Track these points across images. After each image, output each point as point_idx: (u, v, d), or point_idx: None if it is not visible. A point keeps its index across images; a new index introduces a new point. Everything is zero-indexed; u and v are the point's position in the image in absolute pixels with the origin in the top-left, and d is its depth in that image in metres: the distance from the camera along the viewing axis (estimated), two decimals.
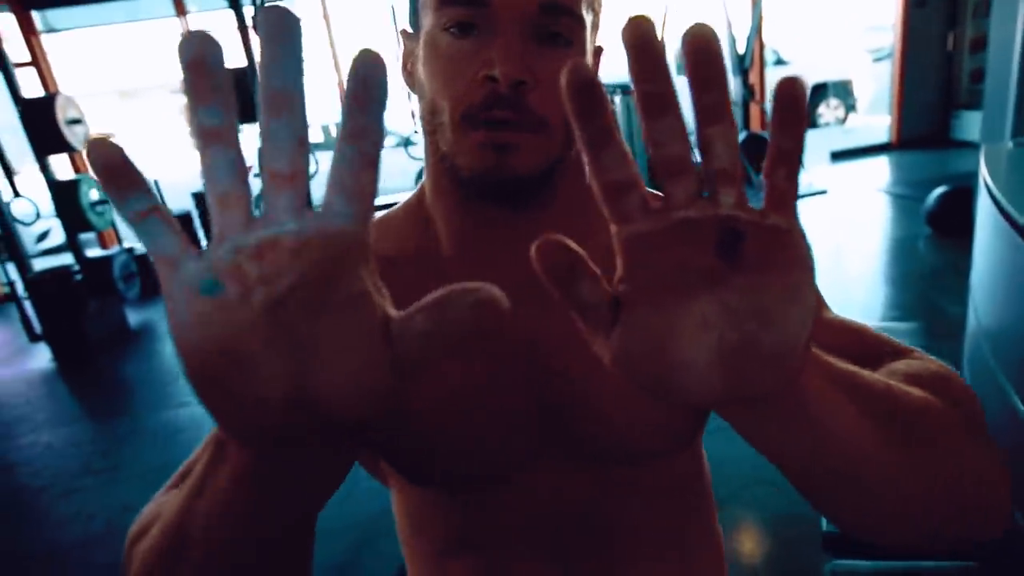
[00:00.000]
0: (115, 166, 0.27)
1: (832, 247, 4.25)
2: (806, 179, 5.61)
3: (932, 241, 4.14)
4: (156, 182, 5.42)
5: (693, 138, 0.28)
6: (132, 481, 2.66)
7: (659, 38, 0.27)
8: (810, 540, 1.70)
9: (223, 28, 4.70)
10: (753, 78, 6.26)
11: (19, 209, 4.32)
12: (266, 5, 0.26)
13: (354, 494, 2.24)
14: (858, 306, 3.26)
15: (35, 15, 5.88)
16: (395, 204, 0.63)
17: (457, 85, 0.49)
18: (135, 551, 0.44)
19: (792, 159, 0.29)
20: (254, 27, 4.19)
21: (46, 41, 5.98)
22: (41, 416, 3.45)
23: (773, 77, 7.17)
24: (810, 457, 0.36)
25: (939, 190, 4.14)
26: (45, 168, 4.46)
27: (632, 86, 0.27)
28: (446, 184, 0.56)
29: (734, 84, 6.06)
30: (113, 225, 5.00)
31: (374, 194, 0.28)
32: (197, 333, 0.28)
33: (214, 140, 0.27)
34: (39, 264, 4.43)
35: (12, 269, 4.24)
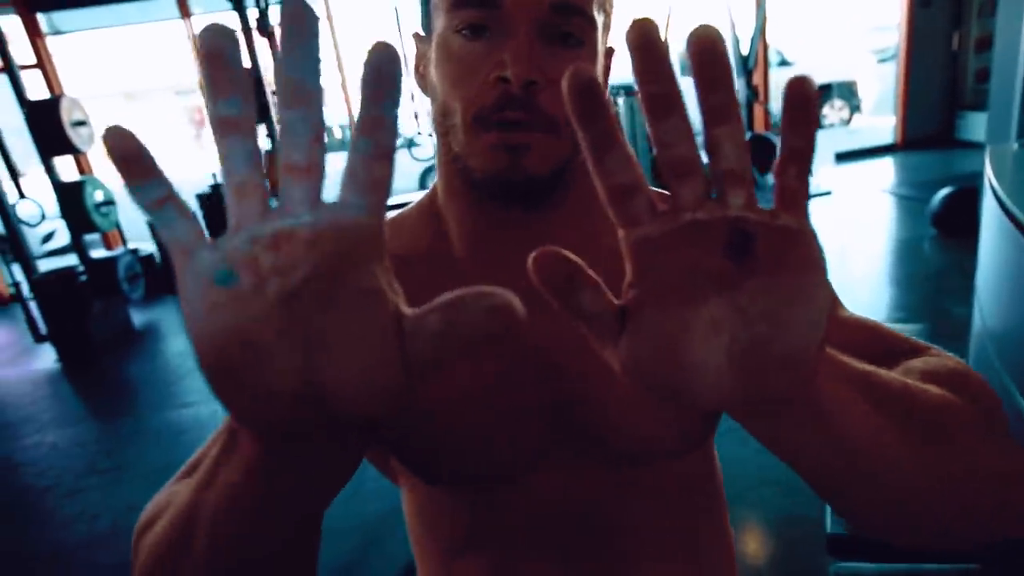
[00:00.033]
0: (131, 154, 0.27)
1: (837, 248, 4.23)
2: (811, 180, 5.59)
3: (937, 242, 4.12)
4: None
5: (700, 140, 0.28)
6: (136, 481, 2.67)
7: (663, 39, 0.27)
8: (814, 541, 1.70)
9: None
10: (757, 79, 6.24)
11: (24, 210, 4.34)
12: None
13: (360, 494, 2.25)
14: (863, 307, 3.24)
15: (40, 17, 5.91)
16: (407, 204, 0.63)
17: (469, 87, 0.50)
18: (143, 542, 0.44)
19: (803, 159, 0.29)
20: (258, 29, 4.20)
21: (51, 43, 6.01)
22: (46, 416, 3.46)
23: (777, 78, 7.16)
24: (826, 458, 0.35)
25: (944, 191, 4.13)
26: (50, 170, 4.48)
27: (637, 88, 0.27)
28: (458, 185, 0.56)
29: (738, 85, 6.06)
30: (117, 226, 5.02)
31: (389, 187, 0.28)
32: (211, 322, 0.28)
33: (231, 130, 0.27)
34: (44, 265, 4.45)
35: (17, 270, 4.25)
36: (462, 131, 0.51)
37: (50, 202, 4.62)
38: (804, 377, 0.31)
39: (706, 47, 0.26)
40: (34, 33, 5.74)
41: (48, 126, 4.31)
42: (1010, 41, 2.37)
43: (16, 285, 4.23)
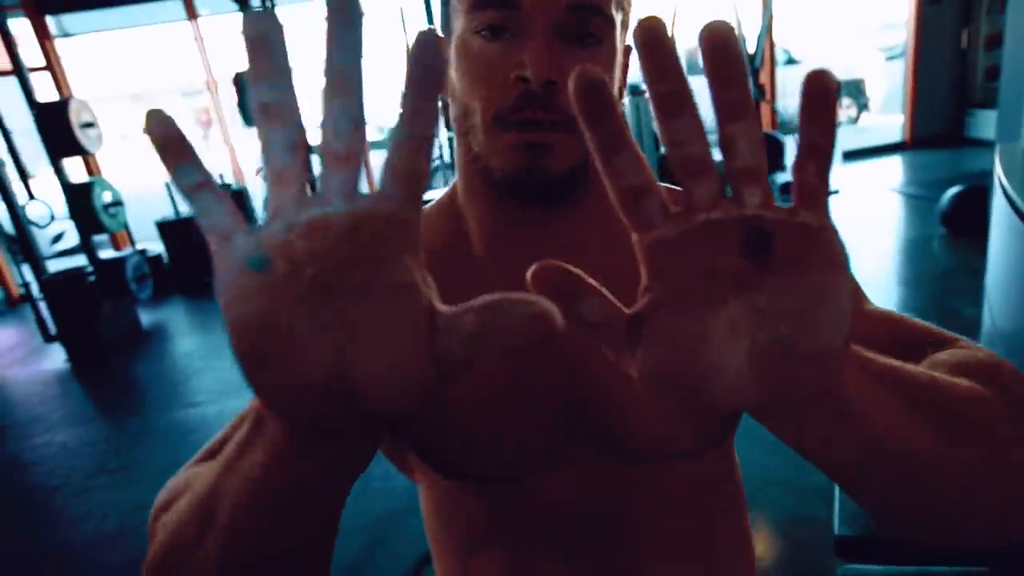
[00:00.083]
0: (170, 138, 0.27)
1: None
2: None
3: (946, 241, 4.10)
4: (168, 184, 5.48)
5: (712, 139, 0.28)
6: (144, 480, 2.68)
7: (670, 38, 0.27)
8: (822, 543, 1.69)
9: (233, 32, 4.73)
10: (764, 78, 6.22)
11: (34, 211, 4.37)
12: None
13: (367, 493, 2.25)
14: None
15: (49, 20, 5.95)
16: (428, 202, 0.64)
17: (489, 87, 0.50)
18: (160, 522, 0.44)
19: (823, 155, 0.28)
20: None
21: (60, 45, 6.05)
22: (56, 416, 3.49)
23: (784, 77, 7.13)
24: (854, 457, 0.34)
25: (953, 190, 4.10)
26: (59, 171, 4.51)
27: (646, 86, 0.27)
28: (478, 185, 0.56)
29: None
30: (126, 227, 5.05)
31: (426, 178, 0.28)
32: (244, 309, 0.28)
33: (273, 117, 0.27)
34: (54, 266, 4.48)
35: (27, 270, 4.28)
36: (482, 131, 0.51)
37: (59, 203, 4.66)
38: (829, 376, 0.30)
39: (718, 42, 0.26)
40: (43, 35, 5.78)
41: (57, 128, 4.34)
42: (1020, 38, 2.35)
43: (26, 285, 4.26)
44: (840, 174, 6.10)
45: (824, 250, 0.28)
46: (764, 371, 0.29)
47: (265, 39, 0.26)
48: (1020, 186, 1.46)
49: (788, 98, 7.20)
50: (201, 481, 0.40)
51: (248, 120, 4.70)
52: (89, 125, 4.53)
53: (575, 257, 0.56)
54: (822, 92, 0.27)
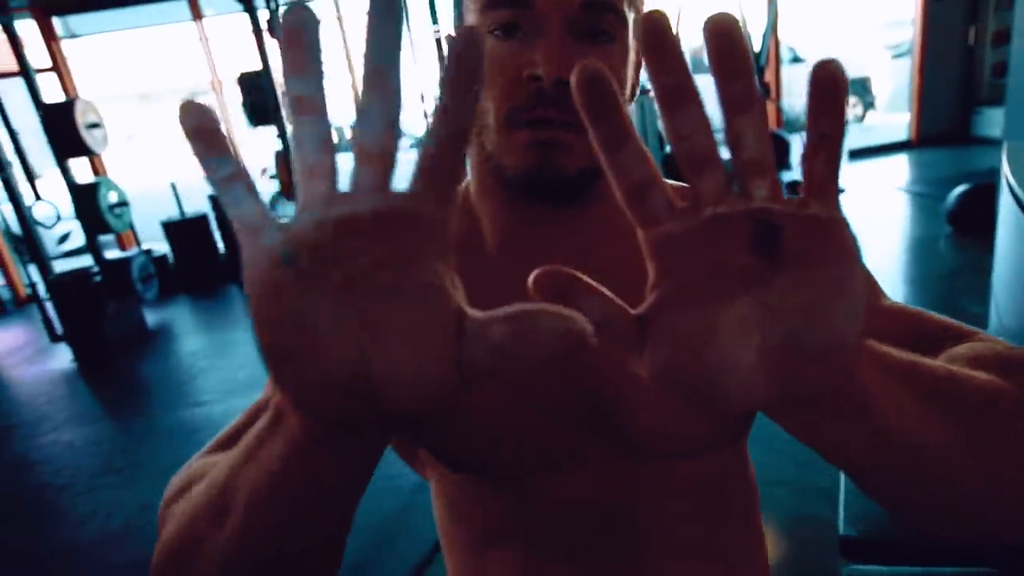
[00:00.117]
0: (204, 129, 0.27)
1: None
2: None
3: (952, 240, 4.07)
4: (174, 184, 5.50)
5: (720, 138, 0.27)
6: (150, 480, 2.69)
7: (674, 32, 0.26)
8: (826, 543, 1.68)
9: (238, 31, 4.75)
10: (769, 76, 6.20)
11: (40, 212, 4.40)
12: None
13: (371, 492, 2.24)
14: None
15: (56, 21, 5.98)
16: None
17: (502, 86, 0.50)
18: (171, 510, 0.44)
19: (832, 145, 0.27)
20: (268, 30, 4.23)
21: (66, 46, 6.08)
22: (62, 415, 3.50)
23: (789, 75, 7.10)
24: (871, 454, 0.34)
25: (960, 188, 4.08)
26: (65, 171, 4.53)
27: (650, 80, 0.27)
28: (491, 183, 0.57)
29: None
30: (131, 227, 5.07)
31: (459, 178, 0.28)
32: (269, 304, 0.27)
33: (306, 110, 0.27)
34: (60, 266, 4.51)
35: (34, 271, 4.31)
36: (495, 130, 0.51)
37: (65, 204, 4.68)
38: (843, 372, 0.29)
39: (723, 33, 0.26)
40: (49, 37, 5.81)
41: (63, 128, 4.36)
42: None
43: (33, 286, 4.28)
44: (846, 173, 6.08)
45: (835, 242, 0.28)
46: (776, 367, 0.28)
47: (302, 32, 0.26)
48: None
49: (793, 97, 7.17)
50: (216, 471, 0.40)
51: (253, 120, 4.71)
52: (95, 126, 4.55)
53: (587, 255, 0.56)
54: (831, 82, 0.26)
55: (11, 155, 4.25)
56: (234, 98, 4.87)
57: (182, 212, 5.49)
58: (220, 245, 5.57)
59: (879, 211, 4.98)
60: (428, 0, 4.24)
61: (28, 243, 4.24)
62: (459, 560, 0.65)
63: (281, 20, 0.26)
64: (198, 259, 5.50)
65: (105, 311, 4.22)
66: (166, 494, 0.47)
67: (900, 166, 6.37)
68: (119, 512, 2.49)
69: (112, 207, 4.72)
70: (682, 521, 0.60)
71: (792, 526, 1.92)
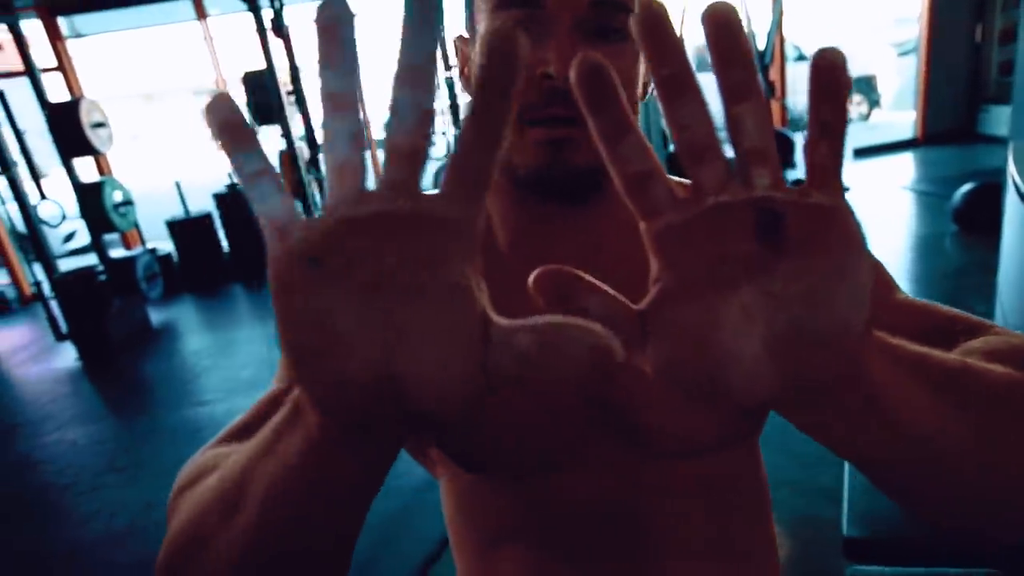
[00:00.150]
0: (232, 124, 0.27)
1: None
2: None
3: (958, 239, 4.05)
4: (178, 183, 5.51)
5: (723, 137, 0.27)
6: (153, 479, 2.70)
7: (672, 23, 0.26)
8: (830, 543, 1.68)
9: (242, 30, 4.75)
10: (774, 74, 6.18)
11: (46, 211, 4.41)
12: None
13: None
14: None
15: (61, 20, 6.00)
16: None
17: None
18: (182, 499, 0.43)
19: (834, 133, 0.27)
20: (272, 30, 4.23)
21: (72, 46, 6.10)
22: (67, 414, 3.52)
23: (794, 73, 7.07)
24: (882, 447, 0.33)
25: (966, 187, 4.05)
26: (70, 171, 4.54)
27: (650, 72, 0.26)
28: (502, 182, 0.57)
29: None
30: (136, 226, 5.09)
31: (489, 182, 0.28)
32: (294, 302, 0.27)
33: (338, 107, 0.26)
34: (65, 265, 4.52)
35: (39, 269, 4.33)
36: None
37: (70, 203, 4.69)
38: (850, 361, 0.29)
39: (721, 22, 0.25)
40: (55, 36, 5.83)
41: (68, 128, 4.37)
42: None
43: (38, 284, 4.30)
44: (851, 171, 6.06)
45: (838, 229, 0.27)
46: (782, 357, 0.28)
47: (337, 27, 0.26)
48: None
49: (798, 95, 7.14)
50: (230, 464, 0.40)
51: (257, 119, 4.71)
52: (100, 125, 4.56)
53: (598, 253, 0.57)
54: (831, 67, 0.26)
55: (16, 154, 4.27)
56: (238, 97, 4.87)
57: (186, 211, 5.51)
58: (224, 244, 5.59)
59: (885, 209, 4.96)
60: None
61: (33, 242, 4.25)
62: (468, 559, 0.65)
63: (316, 13, 0.26)
64: (202, 258, 5.52)
65: (109, 310, 4.24)
66: (176, 484, 0.46)
67: (906, 164, 6.34)
68: (123, 511, 2.50)
69: (117, 206, 4.74)
70: (694, 521, 0.59)
71: (796, 526, 1.91)
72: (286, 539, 0.37)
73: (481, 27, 0.52)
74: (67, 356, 4.30)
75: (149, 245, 5.48)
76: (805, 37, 9.91)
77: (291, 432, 0.34)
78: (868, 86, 9.47)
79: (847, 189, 5.43)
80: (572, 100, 0.47)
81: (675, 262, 0.28)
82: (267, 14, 4.22)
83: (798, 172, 5.40)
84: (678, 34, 0.26)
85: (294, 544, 0.37)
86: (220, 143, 0.27)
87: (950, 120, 6.77)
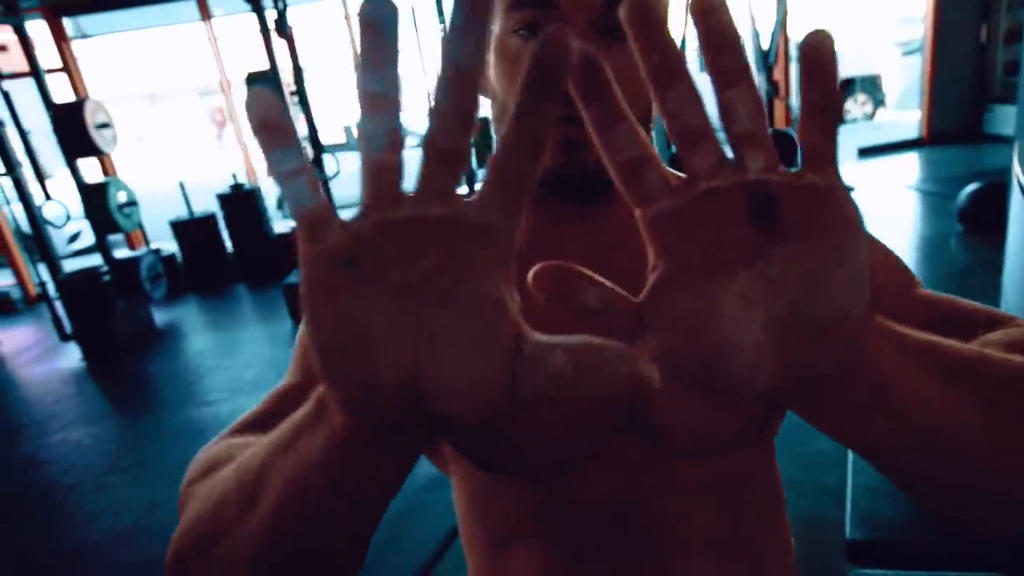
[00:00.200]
0: (272, 121, 0.26)
1: None
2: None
3: (964, 239, 4.04)
4: (182, 184, 5.53)
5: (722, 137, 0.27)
6: (158, 478, 2.71)
7: (661, 12, 0.26)
8: (833, 545, 1.67)
9: (247, 31, 4.76)
10: (778, 74, 6.16)
11: (50, 212, 4.43)
12: None
13: None
14: None
15: (66, 21, 6.02)
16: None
17: None
18: (195, 490, 0.43)
19: (826, 114, 0.27)
20: (276, 30, 4.24)
21: (77, 47, 6.12)
22: (71, 414, 3.53)
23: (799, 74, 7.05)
24: (890, 436, 0.32)
25: (971, 187, 4.04)
26: (75, 171, 4.56)
27: (640, 62, 0.26)
28: None
29: (758, 80, 5.97)
30: (140, 227, 5.10)
31: (530, 189, 0.27)
32: (325, 303, 0.27)
33: (377, 107, 0.26)
34: (70, 265, 4.54)
35: (44, 270, 4.34)
36: None
37: (75, 203, 4.71)
38: (851, 347, 0.28)
39: (709, 7, 0.25)
40: (60, 37, 5.85)
41: (73, 128, 4.39)
42: None
43: (42, 285, 4.32)
44: (856, 171, 6.04)
45: (834, 210, 0.27)
46: (784, 343, 0.27)
47: (381, 26, 0.25)
48: None
49: None
50: (247, 456, 0.39)
51: None
52: (104, 126, 4.58)
53: (615, 252, 0.56)
54: (818, 50, 0.26)
55: (21, 155, 4.29)
56: (243, 98, 4.89)
57: (191, 212, 5.52)
58: (228, 245, 5.60)
59: (890, 209, 4.94)
60: (436, 1, 4.25)
61: (38, 242, 4.27)
62: (480, 557, 0.65)
63: (359, 11, 0.26)
64: (206, 258, 5.54)
65: (114, 310, 4.25)
66: (188, 474, 0.46)
67: (911, 164, 6.32)
68: (127, 511, 2.50)
69: (121, 207, 4.76)
70: (706, 520, 0.59)
71: (799, 527, 1.90)
72: (303, 536, 0.37)
73: (495, 27, 0.52)
74: (71, 356, 4.32)
75: (153, 245, 5.50)
76: None
77: (314, 429, 0.34)
78: (873, 86, 9.45)
79: (852, 189, 5.42)
80: None
81: (670, 249, 0.28)
82: (271, 15, 4.23)
83: None
84: (675, 32, 0.26)
85: (311, 542, 0.37)
86: (258, 140, 0.26)
87: (955, 120, 6.75)
